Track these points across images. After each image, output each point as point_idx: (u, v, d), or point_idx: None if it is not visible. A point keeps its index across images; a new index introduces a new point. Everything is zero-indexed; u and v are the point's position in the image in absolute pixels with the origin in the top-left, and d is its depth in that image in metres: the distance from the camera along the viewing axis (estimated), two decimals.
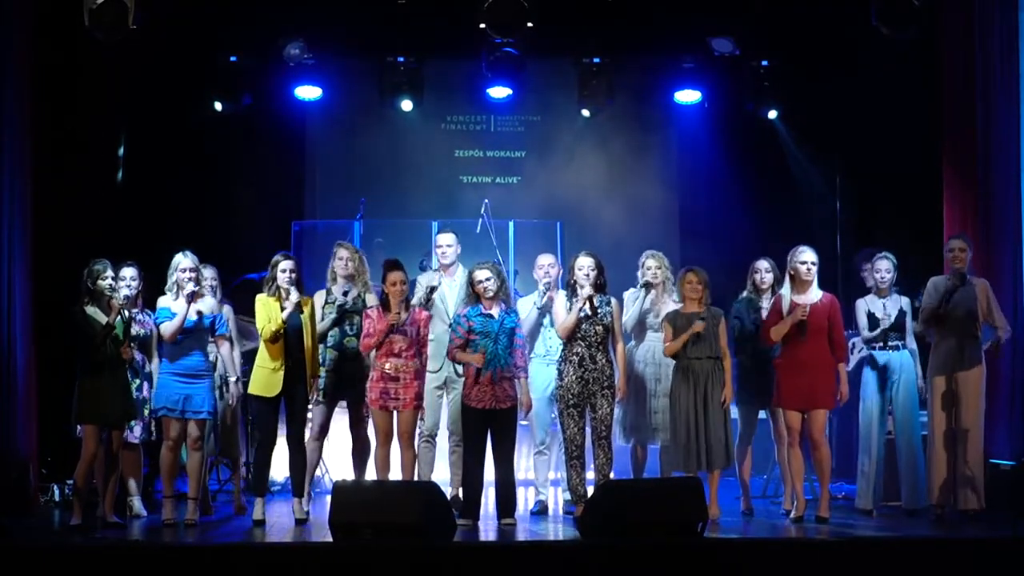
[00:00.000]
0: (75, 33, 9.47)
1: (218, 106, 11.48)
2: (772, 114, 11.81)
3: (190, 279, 8.43)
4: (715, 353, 8.56)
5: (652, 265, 9.06)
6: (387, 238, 11.56)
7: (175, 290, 8.48)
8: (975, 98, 9.54)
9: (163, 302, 8.49)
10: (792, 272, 8.66)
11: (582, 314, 8.53)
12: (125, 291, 8.52)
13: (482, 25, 9.87)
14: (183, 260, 8.50)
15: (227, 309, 9.06)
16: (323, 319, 8.80)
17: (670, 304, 8.99)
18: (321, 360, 8.76)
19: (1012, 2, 9.50)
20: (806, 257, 8.64)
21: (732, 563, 7.29)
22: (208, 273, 9.07)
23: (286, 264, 8.62)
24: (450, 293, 9.17)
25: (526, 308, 9.11)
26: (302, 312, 8.52)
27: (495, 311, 8.54)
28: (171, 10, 10.04)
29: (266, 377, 8.56)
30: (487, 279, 8.54)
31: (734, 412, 9.22)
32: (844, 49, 11.05)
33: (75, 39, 9.68)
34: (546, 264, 9.21)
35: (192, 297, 8.36)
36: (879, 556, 7.38)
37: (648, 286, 8.90)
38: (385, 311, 8.53)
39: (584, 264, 8.63)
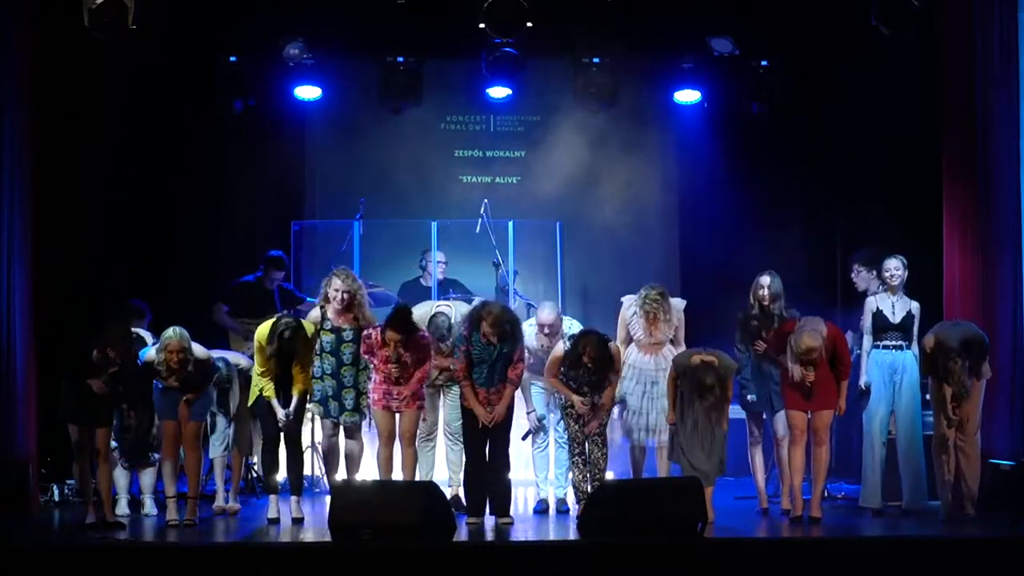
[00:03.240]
0: (75, 33, 9.46)
1: (238, 106, 11.45)
2: (771, 114, 11.78)
3: (178, 360, 8.40)
4: (718, 401, 8.52)
5: (652, 303, 8.95)
6: (387, 238, 11.53)
7: (163, 369, 8.45)
8: (975, 98, 9.54)
9: (148, 358, 8.54)
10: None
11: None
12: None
13: (482, 25, 9.87)
14: (170, 340, 8.41)
15: (218, 309, 9.08)
16: (320, 342, 8.80)
17: (664, 328, 8.98)
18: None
19: (1012, 2, 9.50)
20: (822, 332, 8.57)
21: (731, 563, 7.30)
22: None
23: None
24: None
25: (527, 335, 9.01)
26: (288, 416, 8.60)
27: (495, 339, 8.53)
28: (171, 10, 10.03)
29: (254, 387, 8.68)
30: (494, 332, 8.45)
31: (741, 413, 9.25)
32: (844, 49, 11.04)
33: (75, 39, 9.67)
34: (546, 323, 9.04)
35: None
36: (879, 556, 7.39)
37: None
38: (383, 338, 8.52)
39: (595, 356, 8.45)
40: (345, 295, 8.78)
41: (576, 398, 8.56)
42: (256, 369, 8.66)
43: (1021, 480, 8.64)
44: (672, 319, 9.07)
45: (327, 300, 8.87)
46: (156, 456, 8.91)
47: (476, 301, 9.17)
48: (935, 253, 9.70)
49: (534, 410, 9.08)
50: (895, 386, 8.94)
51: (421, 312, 9.03)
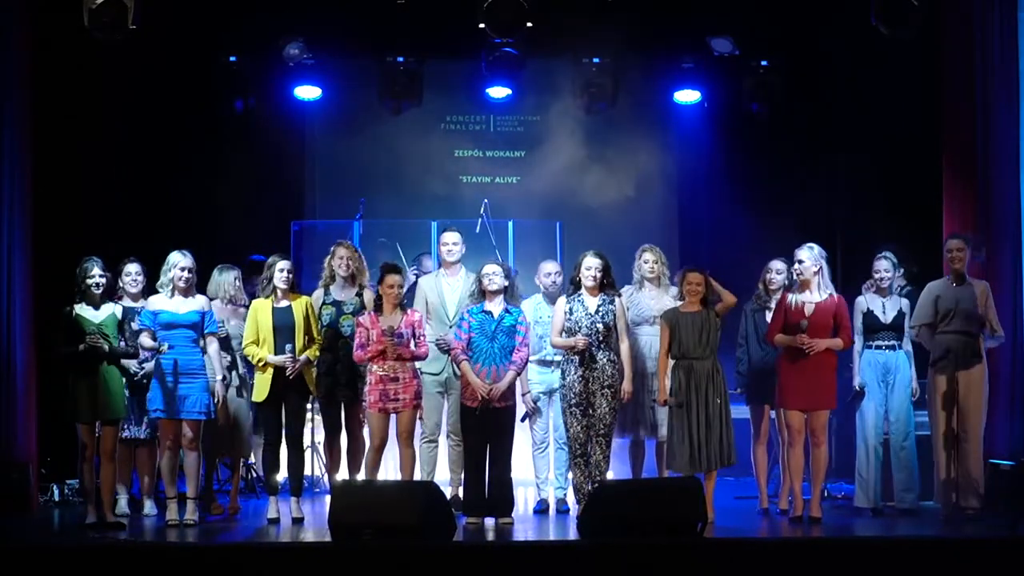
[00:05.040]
0: (75, 33, 9.46)
1: (238, 106, 11.45)
2: (771, 114, 11.79)
3: (186, 279, 8.46)
4: (713, 352, 8.55)
5: (649, 259, 9.09)
6: (387, 238, 11.54)
7: (169, 287, 8.49)
8: (975, 98, 9.54)
9: (152, 302, 8.52)
10: (794, 273, 8.72)
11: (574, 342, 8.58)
12: (132, 288, 8.86)
13: (482, 25, 9.87)
14: (181, 259, 8.51)
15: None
16: (320, 318, 8.83)
17: (666, 299, 9.01)
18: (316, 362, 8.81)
19: (1012, 2, 9.50)
20: (801, 256, 8.67)
21: (731, 563, 7.30)
22: (231, 275, 9.12)
23: (284, 264, 8.66)
24: (451, 294, 9.17)
25: (528, 312, 9.08)
26: (288, 371, 8.57)
27: (495, 310, 8.54)
28: (171, 10, 10.03)
29: (257, 380, 8.70)
30: (493, 273, 8.56)
31: (745, 412, 9.25)
32: (844, 49, 11.04)
33: (75, 39, 9.67)
34: (552, 272, 9.22)
35: (154, 350, 8.41)
36: (879, 556, 7.38)
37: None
38: (378, 313, 8.54)
39: (592, 264, 8.63)
40: (350, 262, 8.91)
41: (578, 337, 8.53)
42: (246, 340, 8.66)
43: (1021, 480, 8.64)
44: (672, 290, 9.10)
45: (332, 277, 8.94)
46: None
47: None
48: (935, 252, 9.70)
49: (529, 392, 9.04)
50: (888, 386, 8.94)
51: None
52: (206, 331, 8.57)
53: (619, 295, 8.76)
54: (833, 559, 7.36)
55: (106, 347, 8.31)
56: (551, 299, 9.14)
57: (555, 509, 9.13)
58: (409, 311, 8.66)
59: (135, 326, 8.65)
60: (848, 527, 8.56)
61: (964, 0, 9.63)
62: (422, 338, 8.61)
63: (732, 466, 8.66)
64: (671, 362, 8.61)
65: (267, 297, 8.68)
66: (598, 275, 8.62)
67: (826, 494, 9.46)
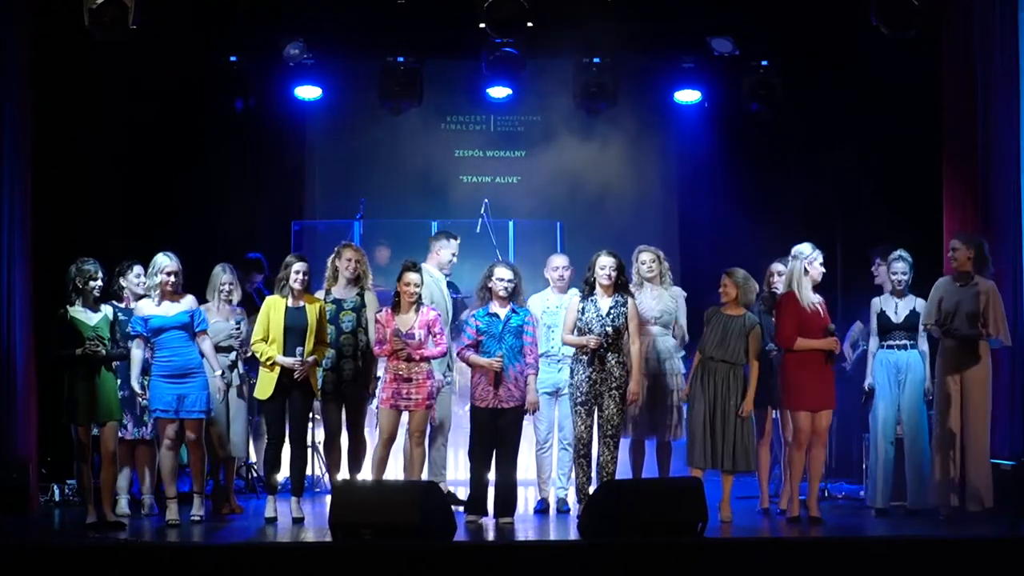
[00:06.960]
0: (75, 33, 9.47)
1: (238, 106, 11.45)
2: (771, 114, 11.78)
3: (172, 284, 8.45)
4: (734, 358, 8.55)
5: (646, 259, 9.10)
6: (387, 238, 11.55)
7: (155, 293, 8.47)
8: (975, 98, 9.54)
9: (141, 307, 8.52)
10: (807, 270, 8.68)
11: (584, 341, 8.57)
12: (138, 290, 8.89)
13: (482, 25, 9.88)
14: (167, 264, 8.48)
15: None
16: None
17: (665, 298, 9.01)
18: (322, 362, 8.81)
19: (1012, 2, 9.50)
20: (819, 257, 8.69)
21: (731, 563, 7.30)
22: (227, 277, 9.09)
23: (299, 266, 8.65)
24: (447, 295, 9.24)
25: (536, 306, 9.10)
26: (297, 373, 8.57)
27: (502, 311, 8.54)
28: (171, 10, 10.03)
29: (262, 377, 8.69)
30: (510, 279, 8.56)
31: None
32: (844, 49, 11.04)
33: (75, 39, 9.67)
34: (560, 266, 9.23)
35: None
36: (879, 556, 7.39)
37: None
38: (394, 312, 8.54)
39: (606, 263, 8.63)
40: (356, 264, 8.93)
41: (590, 337, 8.52)
42: (255, 337, 8.67)
43: (1021, 480, 8.64)
44: (672, 289, 9.15)
45: (335, 278, 8.95)
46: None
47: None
48: (935, 253, 9.70)
49: None
50: (900, 385, 8.94)
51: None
52: (197, 329, 8.56)
53: (632, 296, 8.76)
54: (833, 559, 7.37)
55: (103, 352, 8.31)
56: (559, 292, 9.17)
57: (555, 509, 9.13)
58: (424, 309, 8.64)
59: (129, 329, 8.67)
60: (848, 527, 8.56)
61: (964, 0, 9.62)
62: (439, 335, 8.61)
63: (748, 471, 8.69)
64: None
65: (282, 296, 8.68)
66: (613, 274, 8.62)
67: (826, 494, 9.45)
